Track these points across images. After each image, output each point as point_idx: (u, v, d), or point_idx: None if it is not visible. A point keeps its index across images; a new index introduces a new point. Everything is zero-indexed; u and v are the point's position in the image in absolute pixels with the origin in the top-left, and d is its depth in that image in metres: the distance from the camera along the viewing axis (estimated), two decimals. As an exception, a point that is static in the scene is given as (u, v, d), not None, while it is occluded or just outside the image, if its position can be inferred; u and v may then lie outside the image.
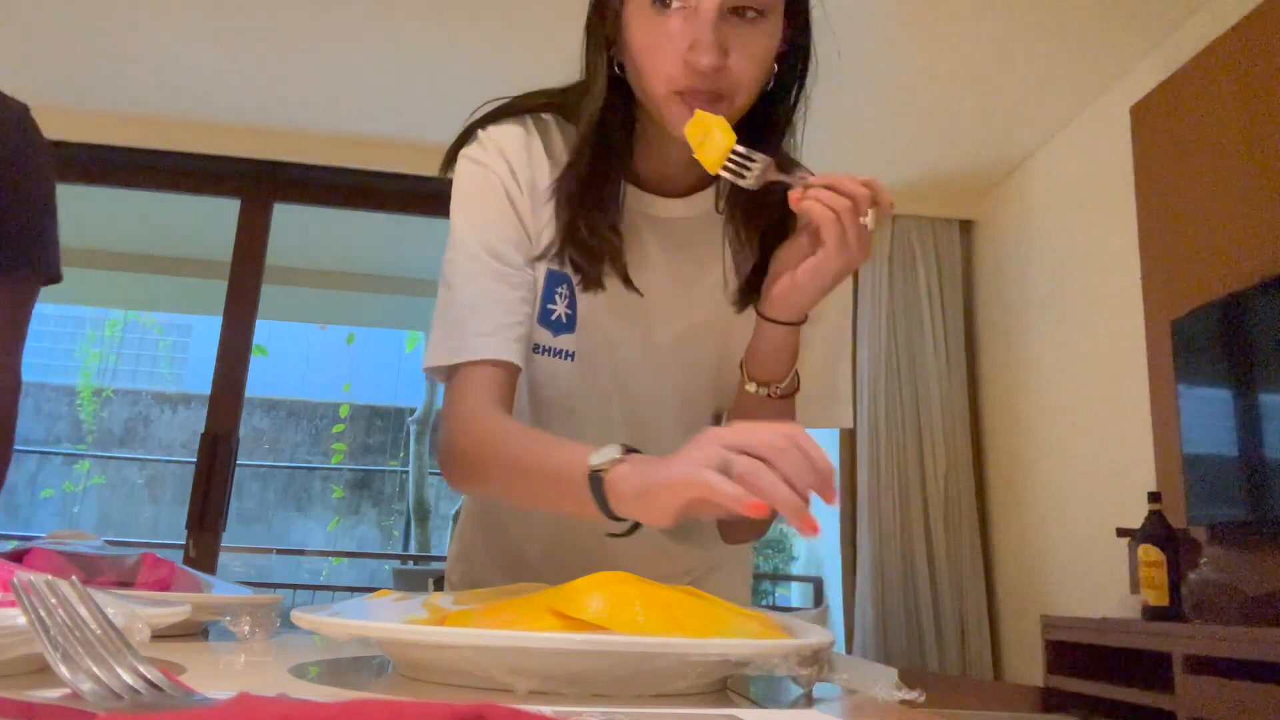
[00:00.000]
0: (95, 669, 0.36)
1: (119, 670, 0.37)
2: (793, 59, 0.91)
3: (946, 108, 3.46)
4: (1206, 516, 2.46)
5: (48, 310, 9.99)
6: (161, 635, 0.71)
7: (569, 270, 0.93)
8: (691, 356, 0.98)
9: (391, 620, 0.58)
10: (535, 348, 0.95)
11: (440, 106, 3.51)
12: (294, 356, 9.20)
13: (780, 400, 0.90)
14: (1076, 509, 3.30)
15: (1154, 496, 2.40)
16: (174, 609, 0.57)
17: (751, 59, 0.83)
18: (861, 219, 0.79)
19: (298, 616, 0.56)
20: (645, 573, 0.60)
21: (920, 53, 3.15)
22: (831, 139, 3.43)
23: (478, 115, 0.97)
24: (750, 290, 0.94)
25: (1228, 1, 2.65)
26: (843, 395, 1.02)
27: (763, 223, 0.94)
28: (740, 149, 0.81)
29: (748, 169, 0.81)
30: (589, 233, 0.91)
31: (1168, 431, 2.72)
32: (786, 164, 0.92)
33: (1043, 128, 3.55)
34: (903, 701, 0.53)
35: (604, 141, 0.90)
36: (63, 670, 0.36)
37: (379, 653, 0.67)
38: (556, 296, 0.94)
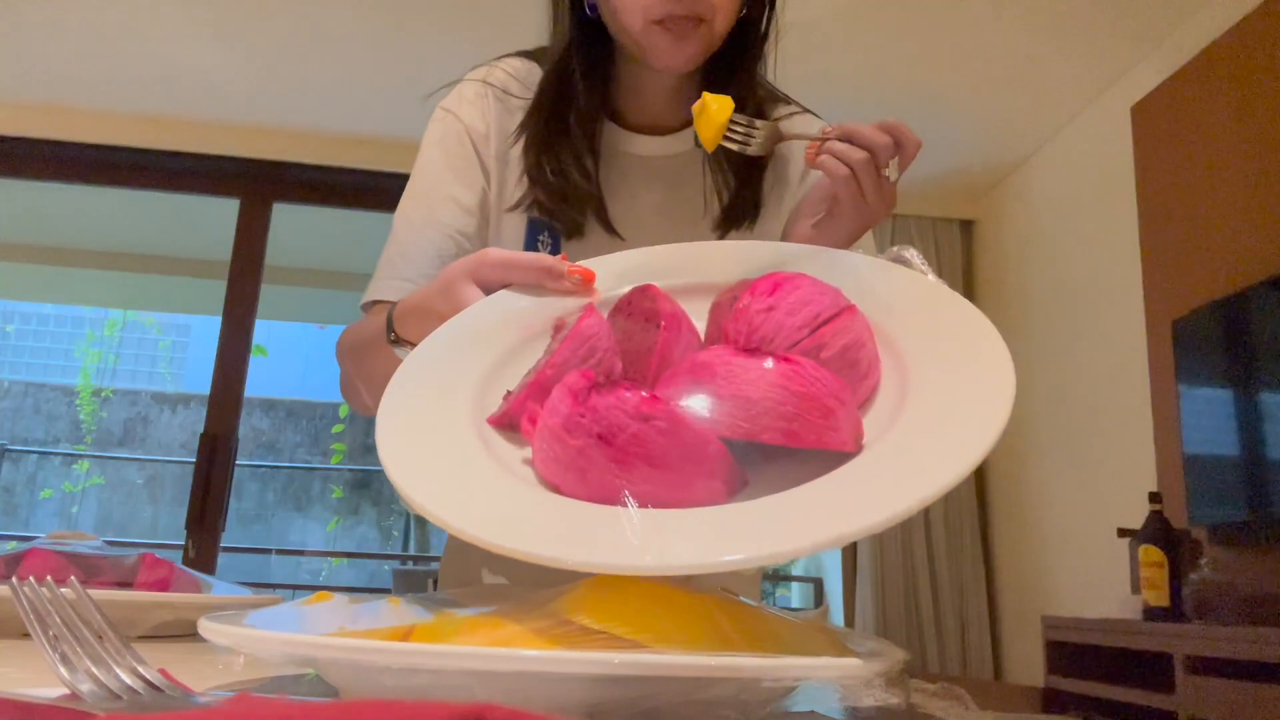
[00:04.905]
0: (94, 669, 0.36)
1: (118, 670, 0.36)
2: None
3: (947, 108, 3.46)
4: (1207, 517, 2.46)
5: (47, 310, 9.98)
6: (162, 635, 0.71)
7: (547, 217, 0.92)
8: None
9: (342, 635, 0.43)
10: None
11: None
12: (294, 356, 9.19)
13: None
14: (1076, 509, 3.30)
15: (1154, 497, 2.40)
16: None
17: None
18: (884, 171, 0.71)
19: (206, 627, 0.42)
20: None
21: (920, 53, 3.15)
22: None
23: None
24: (732, 215, 0.90)
25: (1228, 1, 2.65)
26: None
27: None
28: (740, 117, 0.73)
29: (752, 136, 0.74)
30: (553, 173, 0.88)
31: (1168, 431, 2.72)
32: (796, 111, 0.89)
33: (1043, 128, 3.55)
34: None
35: (570, 81, 0.89)
36: (61, 671, 0.36)
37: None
38: (538, 244, 0.93)
